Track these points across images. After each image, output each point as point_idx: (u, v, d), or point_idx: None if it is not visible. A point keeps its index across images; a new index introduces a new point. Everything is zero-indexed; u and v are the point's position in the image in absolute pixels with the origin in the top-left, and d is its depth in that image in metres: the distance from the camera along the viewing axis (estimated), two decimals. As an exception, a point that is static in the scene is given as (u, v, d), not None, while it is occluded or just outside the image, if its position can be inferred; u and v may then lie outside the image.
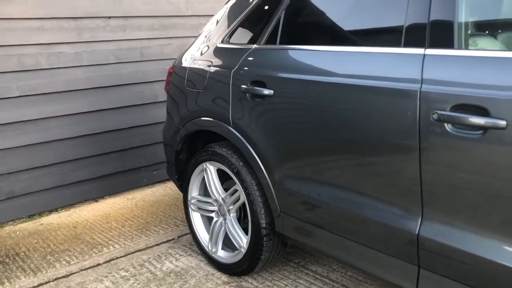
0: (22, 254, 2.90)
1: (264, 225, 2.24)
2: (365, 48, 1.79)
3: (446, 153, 1.48)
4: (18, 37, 3.30)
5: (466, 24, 1.54)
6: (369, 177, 1.73)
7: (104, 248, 2.92)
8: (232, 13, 2.53)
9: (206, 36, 2.67)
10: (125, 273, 2.60)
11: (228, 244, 2.53)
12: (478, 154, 1.40)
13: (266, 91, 2.07)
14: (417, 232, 1.60)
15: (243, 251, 2.38)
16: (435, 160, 1.51)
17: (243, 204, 2.35)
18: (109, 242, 3.01)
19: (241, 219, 2.48)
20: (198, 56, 2.61)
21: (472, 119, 1.39)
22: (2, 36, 3.22)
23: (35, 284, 2.53)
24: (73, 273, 2.63)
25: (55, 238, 3.11)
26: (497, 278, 1.42)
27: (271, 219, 2.23)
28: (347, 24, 2.01)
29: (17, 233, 3.22)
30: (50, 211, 3.57)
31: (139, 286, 2.45)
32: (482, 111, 1.38)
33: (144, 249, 2.89)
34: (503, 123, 1.33)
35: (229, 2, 2.63)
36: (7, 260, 2.82)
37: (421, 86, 1.52)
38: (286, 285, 2.39)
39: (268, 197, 2.19)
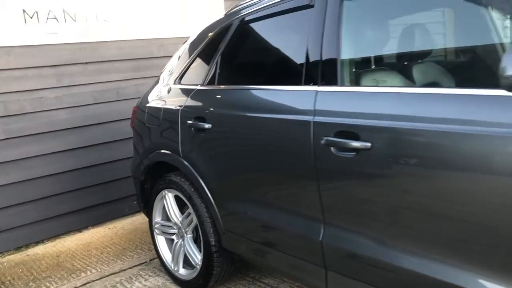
0: (7, 282, 3.19)
1: (213, 243, 2.54)
2: (277, 87, 2.14)
3: (334, 172, 1.80)
4: (3, 85, 3.67)
5: (347, 65, 1.88)
6: (284, 194, 2.05)
7: (82, 273, 3.21)
8: (183, 58, 2.89)
9: (163, 78, 3.03)
10: (97, 294, 2.89)
11: (188, 262, 2.82)
12: (356, 171, 1.72)
13: (206, 125, 2.41)
14: (320, 239, 1.90)
15: (198, 267, 2.67)
16: (327, 178, 1.83)
17: (197, 226, 2.65)
18: (87, 267, 3.30)
19: (197, 239, 2.77)
20: (155, 96, 2.97)
21: (348, 142, 1.71)
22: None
23: (16, 308, 2.82)
24: (51, 296, 2.92)
25: (38, 267, 3.40)
26: (390, 277, 1.70)
27: (219, 237, 2.53)
28: (264, 67, 2.37)
29: (4, 264, 3.51)
30: (37, 243, 3.87)
31: (109, 304, 2.74)
32: (355, 136, 1.70)
33: (118, 272, 3.18)
34: (369, 144, 1.65)
35: (180, 48, 3.00)
36: (-7, 288, 3.11)
37: (314, 117, 1.85)
38: (238, 297, 2.67)
39: (214, 218, 2.50)
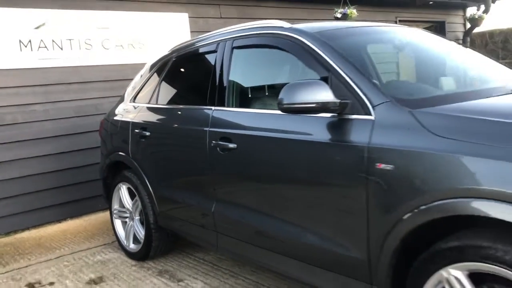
0: (-2, 256, 4.03)
1: (152, 222, 3.39)
2: (191, 106, 3.02)
3: (219, 164, 2.67)
4: (1, 100, 4.55)
5: (231, 93, 2.76)
6: (192, 181, 2.92)
7: (57, 250, 4.05)
8: (137, 83, 3.78)
9: (124, 96, 3.92)
10: (66, 263, 3.72)
11: (136, 239, 3.66)
12: (230, 163, 2.59)
13: (147, 133, 3.29)
14: (212, 211, 2.76)
15: (142, 242, 3.51)
16: (215, 169, 2.70)
17: (141, 210, 3.50)
18: (62, 246, 4.14)
19: (143, 221, 3.62)
20: (116, 111, 3.85)
21: (227, 144, 2.58)
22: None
23: (4, 272, 3.64)
24: (31, 265, 3.75)
25: (23, 246, 4.23)
26: (257, 234, 2.55)
27: (156, 217, 3.38)
28: (186, 92, 3.26)
29: (-4, 243, 4.36)
30: (23, 230, 4.70)
31: (74, 269, 3.57)
32: (229, 140, 2.57)
33: (85, 249, 4.01)
34: (236, 145, 2.52)
35: (137, 75, 3.89)
36: (-14, 259, 3.95)
37: (209, 128, 2.73)
38: (172, 265, 3.50)
39: (152, 203, 3.35)
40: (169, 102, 3.31)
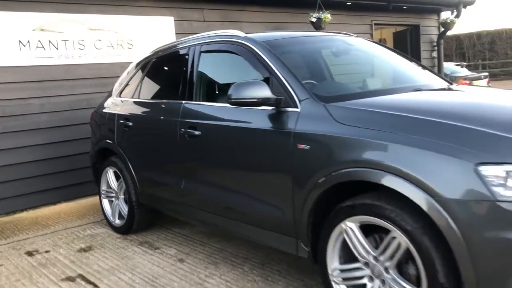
0: (0, 231, 4.58)
1: (134, 199, 3.96)
2: (166, 100, 3.59)
3: (187, 149, 3.24)
4: (1, 95, 5.10)
5: (198, 89, 3.33)
6: (166, 163, 3.49)
7: (51, 227, 4.61)
8: (123, 80, 4.34)
9: (111, 92, 4.48)
10: (60, 236, 4.28)
11: (121, 216, 4.22)
12: (195, 147, 3.16)
13: (130, 123, 3.86)
14: (182, 187, 3.34)
15: (126, 217, 4.08)
16: (185, 152, 3.27)
17: (125, 190, 4.07)
18: (56, 224, 4.70)
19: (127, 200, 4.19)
20: (105, 104, 4.41)
21: (193, 132, 3.15)
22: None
23: (5, 243, 4.20)
24: (29, 238, 4.31)
25: (22, 223, 4.79)
26: (206, 201, 3.14)
27: (137, 195, 3.94)
28: (163, 88, 3.82)
29: (-3, 221, 4.92)
30: (22, 210, 5.25)
31: (67, 241, 4.13)
32: (195, 128, 3.14)
33: (76, 226, 4.58)
34: (199, 133, 3.10)
35: (124, 71, 4.45)
36: (-11, 234, 4.51)
37: (179, 118, 3.30)
38: (151, 237, 4.07)
39: (134, 183, 3.92)
40: (149, 97, 3.88)
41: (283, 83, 2.67)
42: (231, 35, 3.18)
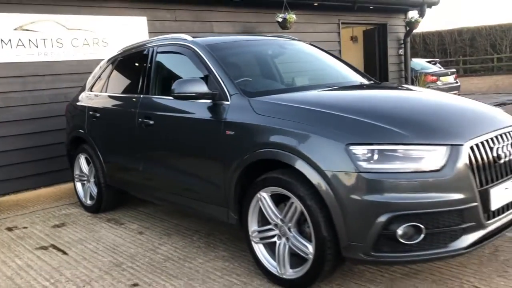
0: (-17, 211, 5.10)
1: (103, 182, 4.50)
2: (128, 95, 4.12)
3: (143, 135, 3.78)
4: (-15, 89, 5.59)
5: (154, 85, 3.87)
6: (127, 148, 4.03)
7: (31, 208, 5.13)
8: (94, 76, 4.87)
9: (84, 86, 5.00)
10: (37, 215, 4.81)
11: (91, 197, 4.76)
12: (150, 134, 3.71)
13: (98, 114, 4.39)
14: (141, 169, 3.89)
15: (95, 198, 4.63)
16: (142, 139, 3.82)
17: (95, 173, 4.61)
18: (35, 205, 5.22)
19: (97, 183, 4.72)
20: (78, 98, 4.93)
21: (148, 121, 3.70)
22: (-25, 89, 5.51)
23: (-12, 221, 4.73)
24: (10, 217, 4.84)
25: (4, 206, 5.31)
26: (162, 180, 3.69)
27: (105, 178, 4.48)
28: (125, 84, 4.35)
29: (-18, 203, 5.43)
30: (4, 194, 5.74)
31: (43, 219, 4.66)
32: (150, 118, 3.69)
33: (53, 207, 5.11)
34: (152, 122, 3.64)
35: (95, 69, 4.97)
36: (-26, 214, 5.02)
37: (137, 110, 3.84)
38: (118, 215, 4.61)
39: (102, 167, 4.46)
40: (115, 91, 4.41)
41: (218, 80, 3.23)
42: (180, 39, 3.72)
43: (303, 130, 2.62)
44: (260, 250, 2.94)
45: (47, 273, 3.29)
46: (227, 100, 3.13)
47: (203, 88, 3.17)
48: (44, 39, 6.03)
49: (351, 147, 2.43)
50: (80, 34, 6.33)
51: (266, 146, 2.78)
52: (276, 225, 2.83)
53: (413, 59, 14.93)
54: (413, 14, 11.27)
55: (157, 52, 3.93)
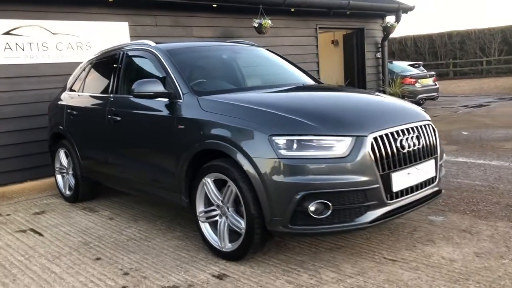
0: (-29, 201, 5.55)
1: (79, 173, 4.95)
2: (100, 94, 4.58)
3: (113, 130, 4.24)
4: (-25, 89, 6.03)
5: (123, 85, 4.32)
6: (100, 142, 4.49)
7: (15, 199, 5.58)
8: (72, 77, 5.33)
9: (64, 87, 5.46)
10: (21, 205, 5.26)
11: (70, 188, 5.21)
12: (118, 129, 4.17)
13: (75, 112, 4.85)
14: (111, 161, 4.34)
15: (73, 189, 5.08)
16: (110, 134, 4.27)
17: (73, 166, 5.06)
18: (20, 197, 5.67)
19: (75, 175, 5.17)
20: (60, 97, 5.39)
21: (116, 118, 4.16)
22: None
23: (-25, 210, 5.17)
24: (-4, 206, 5.29)
25: (-9, 196, 5.76)
26: (133, 172, 4.16)
27: (81, 170, 4.94)
28: (98, 85, 4.81)
29: (-29, 195, 5.87)
30: (-8, 187, 6.21)
31: (26, 207, 5.11)
32: (117, 115, 4.15)
33: (36, 198, 5.56)
34: (120, 118, 4.11)
35: (75, 70, 5.43)
36: (-37, 203, 5.46)
37: (107, 108, 4.30)
38: (94, 204, 5.06)
39: (79, 160, 4.91)
40: (90, 91, 4.87)
41: (173, 81, 3.69)
42: (145, 44, 4.19)
43: (237, 124, 3.09)
44: (205, 228, 3.40)
45: (23, 251, 3.75)
46: (180, 99, 3.59)
47: (159, 88, 3.63)
48: (30, 43, 6.49)
49: (273, 138, 2.89)
50: (65, 39, 6.79)
51: (209, 138, 3.24)
52: (218, 206, 3.29)
53: (394, 62, 15.44)
54: (391, 19, 11.77)
55: (126, 56, 4.39)
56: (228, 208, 3.21)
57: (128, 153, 4.15)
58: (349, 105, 3.39)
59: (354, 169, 2.85)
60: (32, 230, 4.29)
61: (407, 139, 3.09)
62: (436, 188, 3.39)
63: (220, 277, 3.01)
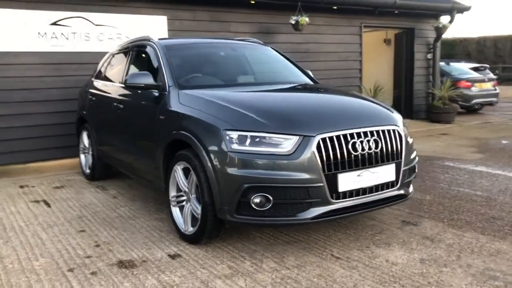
0: (3, 174, 6.24)
1: (95, 155, 5.43)
2: (114, 83, 5.00)
3: (117, 117, 4.64)
4: (25, 72, 6.73)
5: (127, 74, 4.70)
6: (109, 127, 4.91)
7: (46, 173, 6.20)
8: (99, 65, 5.82)
9: (93, 75, 5.97)
10: (47, 179, 5.85)
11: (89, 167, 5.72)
12: (121, 115, 4.56)
13: (94, 98, 5.33)
14: (115, 146, 4.75)
15: (91, 168, 5.58)
16: (116, 119, 4.68)
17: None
18: (50, 172, 6.29)
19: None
20: (86, 84, 5.91)
21: (119, 105, 4.55)
22: (21, 71, 6.67)
23: (10, 179, 5.83)
24: (27, 178, 5.92)
25: (28, 170, 6.43)
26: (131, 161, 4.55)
27: (97, 151, 5.41)
28: (114, 74, 5.22)
29: (3, 169, 6.59)
30: (33, 161, 6.87)
31: (50, 181, 5.69)
32: (120, 103, 4.53)
33: (63, 174, 6.14)
34: (122, 106, 4.49)
35: (101, 60, 5.92)
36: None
37: (115, 96, 4.70)
38: (106, 183, 5.52)
39: (97, 143, 5.39)
40: (105, 80, 5.32)
41: (163, 74, 3.99)
42: (148, 38, 4.52)
43: (202, 117, 3.33)
44: (175, 212, 3.68)
45: (27, 218, 4.24)
46: (166, 91, 3.88)
47: (150, 80, 3.94)
48: (74, 33, 7.10)
49: (227, 132, 3.10)
50: (106, 30, 7.35)
51: (179, 129, 3.51)
52: (185, 192, 3.55)
53: (453, 64, 14.81)
54: (445, 19, 11.31)
55: (135, 49, 4.76)
56: (191, 195, 3.46)
57: (126, 139, 4.54)
58: (309, 106, 3.51)
59: (297, 166, 2.98)
60: (44, 201, 4.81)
61: (361, 142, 3.16)
62: (399, 193, 3.42)
63: (173, 256, 3.28)
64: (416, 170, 3.80)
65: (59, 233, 3.83)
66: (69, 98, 7.08)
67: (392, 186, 3.36)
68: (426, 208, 4.26)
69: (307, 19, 8.60)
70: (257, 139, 3.05)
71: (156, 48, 4.26)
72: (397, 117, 3.59)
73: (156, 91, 3.99)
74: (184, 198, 3.57)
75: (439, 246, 3.35)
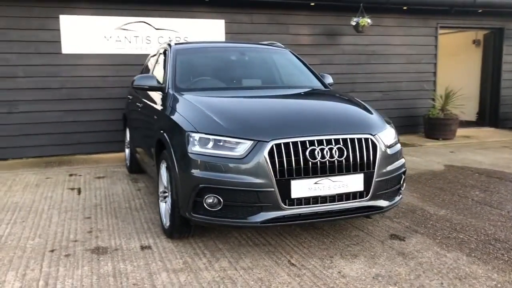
0: (66, 163, 6.99)
1: (132, 149, 5.89)
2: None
3: (139, 115, 5.01)
4: (91, 71, 7.48)
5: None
6: (134, 124, 5.31)
7: (99, 164, 6.83)
8: (142, 67, 6.28)
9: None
10: (95, 170, 6.45)
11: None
12: (142, 113, 4.92)
13: (130, 97, 5.78)
14: (137, 141, 5.13)
15: (129, 161, 6.05)
16: (138, 116, 5.05)
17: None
18: (104, 163, 6.92)
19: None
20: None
21: (140, 105, 4.91)
22: (72, 70, 7.45)
23: (62, 168, 6.54)
24: (79, 168, 6.58)
25: (87, 160, 7.14)
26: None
27: (131, 147, 5.86)
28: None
29: (71, 158, 7.37)
30: (93, 153, 7.61)
31: (96, 172, 6.28)
32: (140, 102, 4.89)
33: (112, 165, 6.72)
34: (142, 105, 4.85)
35: (147, 59, 6.38)
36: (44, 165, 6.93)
37: (139, 97, 5.08)
38: (139, 176, 5.94)
39: (131, 140, 5.84)
40: (140, 81, 5.74)
41: (166, 77, 4.25)
42: (168, 44, 4.81)
43: (177, 119, 3.51)
44: (162, 206, 3.91)
45: (53, 203, 4.77)
46: (165, 93, 4.13)
47: (153, 82, 4.23)
48: (136, 37, 7.72)
49: (191, 134, 3.24)
50: (166, 34, 7.86)
51: (162, 129, 3.72)
52: (167, 188, 3.76)
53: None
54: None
55: (161, 53, 5.08)
56: (169, 192, 3.66)
57: (140, 137, 4.89)
58: (274, 112, 3.50)
59: (248, 170, 3.03)
60: (78, 189, 5.35)
61: (322, 149, 3.10)
62: (369, 204, 3.28)
63: (143, 248, 3.50)
64: (403, 181, 3.59)
65: (68, 218, 4.26)
66: (114, 97, 7.69)
67: (361, 197, 3.24)
68: (431, 223, 3.99)
69: (368, 20, 8.34)
70: (217, 142, 3.15)
71: (170, 52, 4.53)
72: (378, 126, 3.43)
73: (160, 92, 4.25)
74: (167, 194, 3.78)
75: (407, 263, 3.15)
